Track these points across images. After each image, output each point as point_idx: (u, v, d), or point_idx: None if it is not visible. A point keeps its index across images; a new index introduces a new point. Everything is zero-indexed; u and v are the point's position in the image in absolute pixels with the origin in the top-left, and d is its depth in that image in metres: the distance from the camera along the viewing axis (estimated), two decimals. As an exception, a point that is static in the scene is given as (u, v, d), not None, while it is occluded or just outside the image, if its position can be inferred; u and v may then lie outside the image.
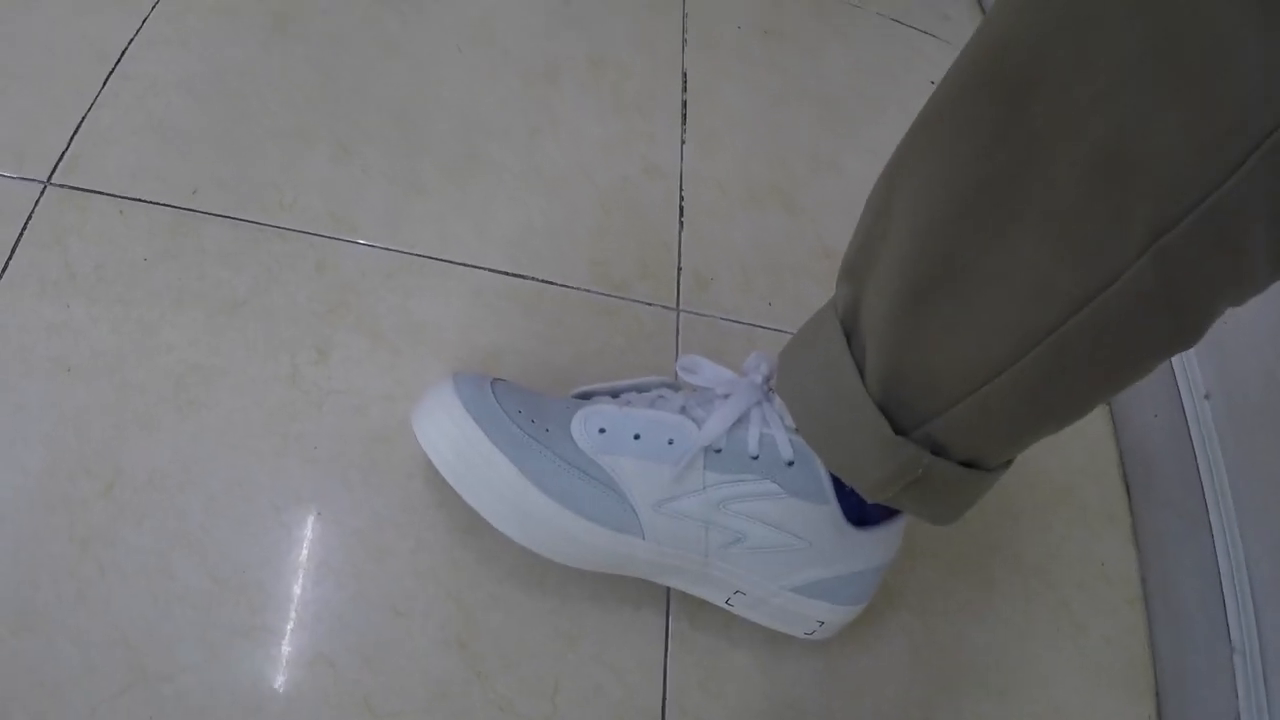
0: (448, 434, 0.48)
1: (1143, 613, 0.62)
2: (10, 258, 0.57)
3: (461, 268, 0.59)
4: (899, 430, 0.41)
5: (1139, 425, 0.68)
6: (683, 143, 0.64)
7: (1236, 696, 0.55)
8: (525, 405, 0.49)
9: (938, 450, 0.41)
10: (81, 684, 0.49)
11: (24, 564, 0.51)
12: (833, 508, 0.47)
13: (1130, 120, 0.29)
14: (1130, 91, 0.29)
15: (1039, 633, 0.59)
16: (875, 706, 0.55)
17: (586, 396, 0.52)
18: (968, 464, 0.42)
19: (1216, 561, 0.59)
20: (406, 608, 0.52)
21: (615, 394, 0.52)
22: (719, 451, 0.47)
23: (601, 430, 0.48)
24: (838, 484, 0.47)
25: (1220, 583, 0.58)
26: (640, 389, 0.52)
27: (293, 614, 0.51)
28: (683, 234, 0.61)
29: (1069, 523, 0.64)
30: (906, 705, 0.55)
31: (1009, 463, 0.45)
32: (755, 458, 0.47)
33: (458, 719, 0.50)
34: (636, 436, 0.47)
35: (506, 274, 0.59)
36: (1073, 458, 0.66)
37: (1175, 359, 0.65)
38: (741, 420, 0.47)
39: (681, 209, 0.62)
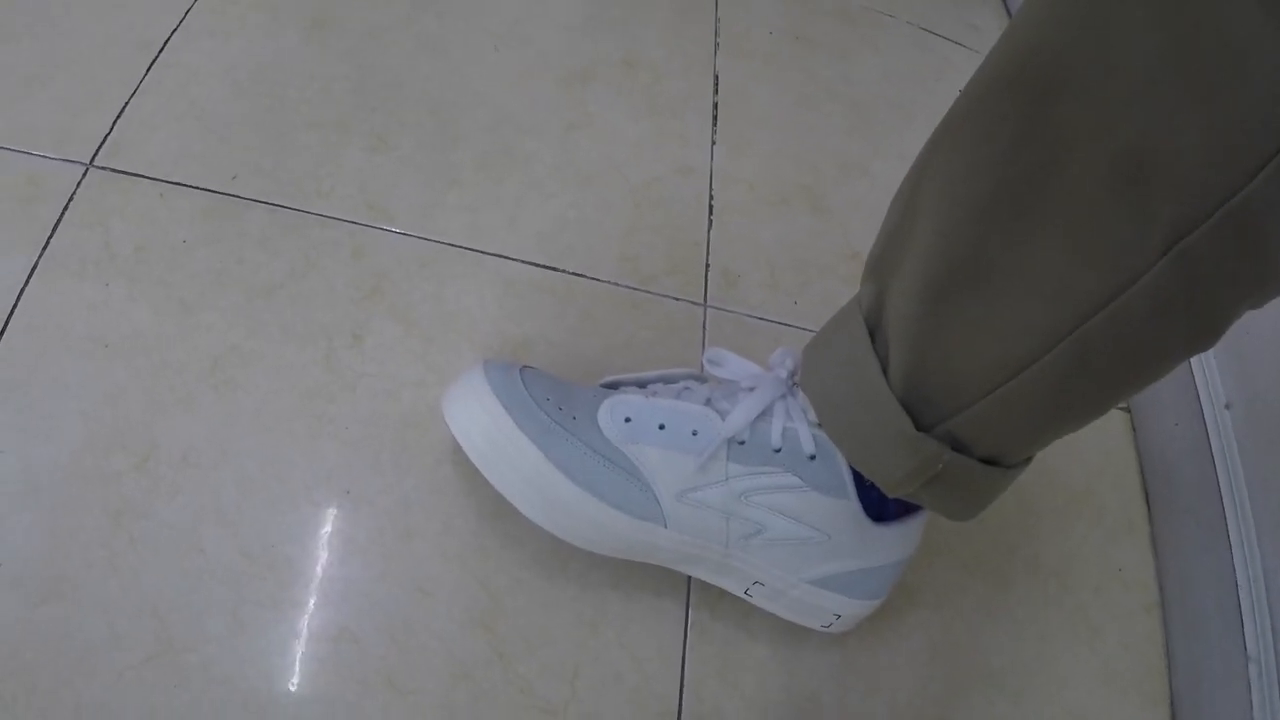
0: (477, 420, 0.49)
1: (1159, 619, 0.62)
2: (52, 236, 0.59)
3: (494, 258, 0.60)
4: (921, 427, 0.41)
5: (1159, 433, 0.68)
6: (713, 143, 0.65)
7: (1251, 705, 0.55)
8: (553, 393, 0.50)
9: (958, 447, 0.42)
10: (108, 652, 0.50)
11: (57, 534, 0.52)
12: (853, 502, 0.48)
13: (1151, 124, 0.29)
14: (1151, 97, 0.29)
15: (1055, 635, 0.60)
16: (891, 702, 0.55)
17: (614, 386, 0.53)
18: (988, 461, 0.43)
19: (1234, 571, 0.59)
20: (432, 588, 0.52)
21: (642, 385, 0.52)
22: (742, 444, 0.47)
23: (627, 419, 0.48)
24: (858, 479, 0.47)
25: (1237, 592, 0.58)
26: (667, 380, 0.53)
27: (320, 591, 0.52)
28: (711, 232, 0.62)
29: (1088, 527, 0.64)
30: (922, 702, 0.56)
31: (1029, 460, 0.45)
32: (778, 451, 0.47)
33: (478, 699, 0.51)
34: (661, 426, 0.48)
35: (538, 265, 0.60)
36: (1093, 463, 0.67)
37: (1197, 369, 0.65)
38: (765, 414, 0.48)
39: (711, 207, 0.63)
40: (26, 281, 0.57)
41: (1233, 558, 0.59)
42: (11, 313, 0.56)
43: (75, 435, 0.54)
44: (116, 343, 0.57)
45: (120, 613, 0.51)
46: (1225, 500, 0.61)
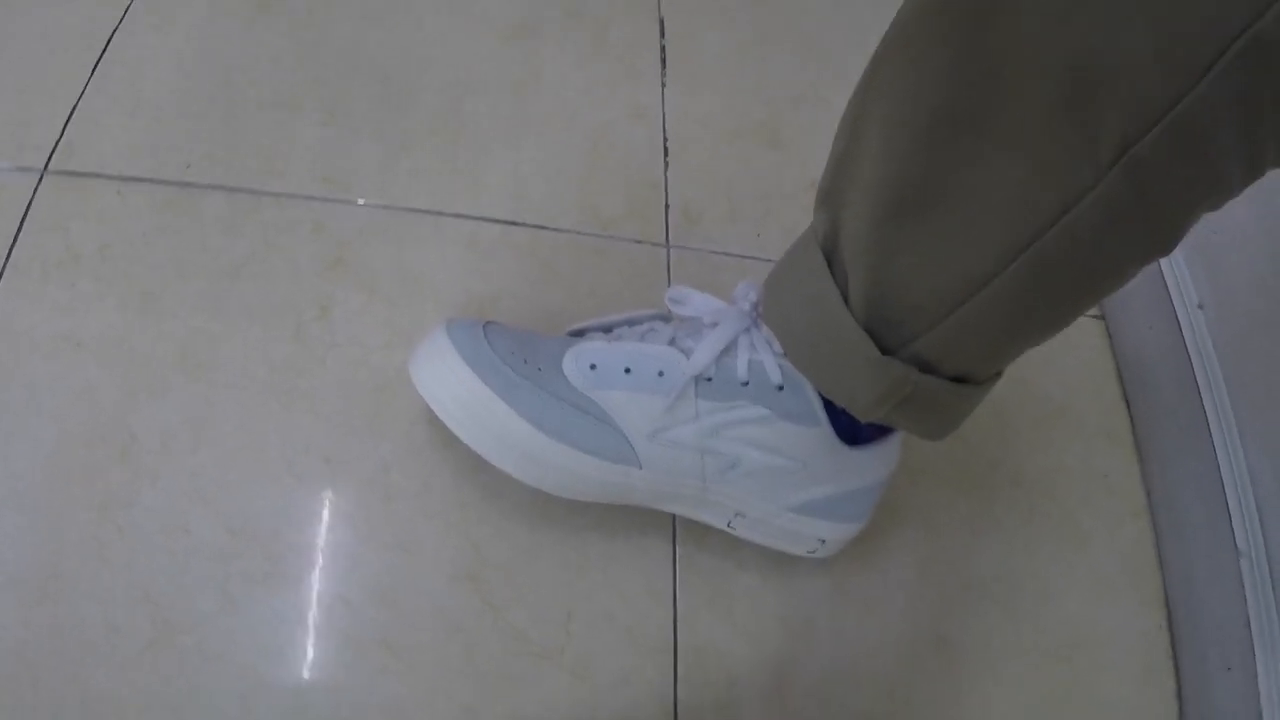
0: (443, 381, 0.49)
1: (1148, 523, 0.63)
2: (13, 246, 0.59)
3: (453, 219, 0.60)
4: (885, 350, 0.41)
5: (1134, 338, 0.68)
6: (664, 85, 0.65)
7: (1245, 600, 0.55)
8: (518, 346, 0.50)
9: (926, 368, 0.42)
10: (108, 643, 0.51)
11: (45, 533, 0.53)
12: (824, 429, 0.48)
13: (1093, 34, 0.29)
14: (1091, 6, 0.29)
15: (1044, 546, 0.60)
16: (884, 621, 0.56)
17: (580, 334, 0.53)
18: (957, 379, 0.43)
19: (1219, 469, 0.59)
20: (417, 547, 0.53)
21: (608, 329, 0.52)
22: (709, 380, 0.47)
23: (593, 366, 0.48)
24: (829, 404, 0.47)
25: (1224, 490, 0.59)
26: (632, 323, 0.53)
27: (307, 560, 0.53)
28: (668, 172, 0.62)
29: (1070, 437, 0.64)
30: (915, 619, 0.56)
31: (999, 375, 0.45)
32: (745, 384, 0.47)
33: (473, 651, 0.52)
34: (627, 370, 0.48)
35: (498, 221, 0.60)
36: (1070, 373, 0.67)
37: (1167, 271, 0.65)
38: (730, 348, 0.48)
39: (666, 148, 0.63)
40: (-10, 288, 0.57)
41: (1216, 457, 0.59)
42: (-22, 320, 0.57)
43: (53, 434, 0.55)
44: (86, 340, 0.57)
45: (116, 603, 0.52)
46: (1205, 400, 0.61)
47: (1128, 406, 0.67)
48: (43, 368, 0.56)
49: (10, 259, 0.59)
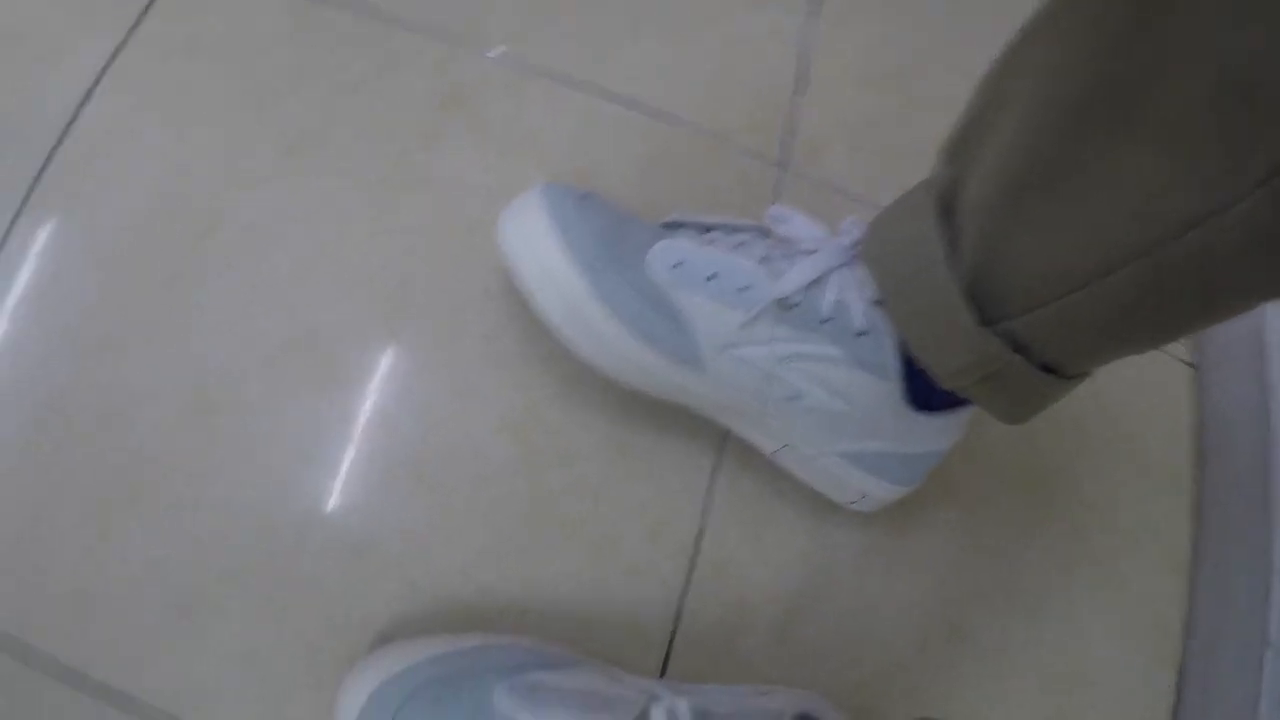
0: (528, 241, 0.48)
1: (1185, 583, 0.61)
2: (143, 16, 0.59)
3: (576, 89, 0.60)
4: (983, 321, 0.40)
5: (1222, 400, 0.66)
6: (812, 14, 0.64)
7: (1260, 693, 0.53)
8: (609, 226, 0.49)
9: (1018, 348, 0.40)
10: (147, 405, 0.52)
11: (114, 292, 0.53)
12: (894, 385, 0.46)
13: (1265, 47, 0.28)
14: (1267, 20, 0.27)
15: (1081, 571, 0.58)
16: (904, 593, 0.54)
17: (676, 225, 0.52)
18: (1046, 368, 0.41)
19: (1271, 557, 0.57)
20: (471, 389, 0.53)
21: (706, 229, 0.51)
22: (792, 307, 0.46)
23: (677, 265, 0.47)
24: (906, 364, 0.46)
25: (1270, 577, 0.56)
26: (730, 229, 0.51)
27: (360, 375, 0.53)
28: (797, 97, 0.61)
29: (1134, 474, 0.62)
30: (935, 601, 0.55)
31: (1085, 375, 0.44)
32: (825, 320, 0.46)
33: (499, 503, 0.51)
34: (710, 277, 0.47)
35: (619, 101, 0.60)
36: (1151, 412, 0.65)
37: (1273, 344, 0.63)
38: (820, 281, 0.46)
39: (801, 75, 0.62)
40: (114, 56, 0.58)
41: (1272, 543, 0.57)
42: (97, 82, 0.57)
43: (145, 201, 0.55)
44: (196, 119, 0.57)
45: (164, 371, 0.52)
46: (1275, 486, 0.59)
47: (1197, 464, 0.65)
48: (150, 133, 0.56)
49: (139, 27, 0.59)
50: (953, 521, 0.57)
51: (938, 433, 0.50)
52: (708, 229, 0.51)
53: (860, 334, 0.46)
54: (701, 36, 0.62)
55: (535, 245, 0.48)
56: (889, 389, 0.47)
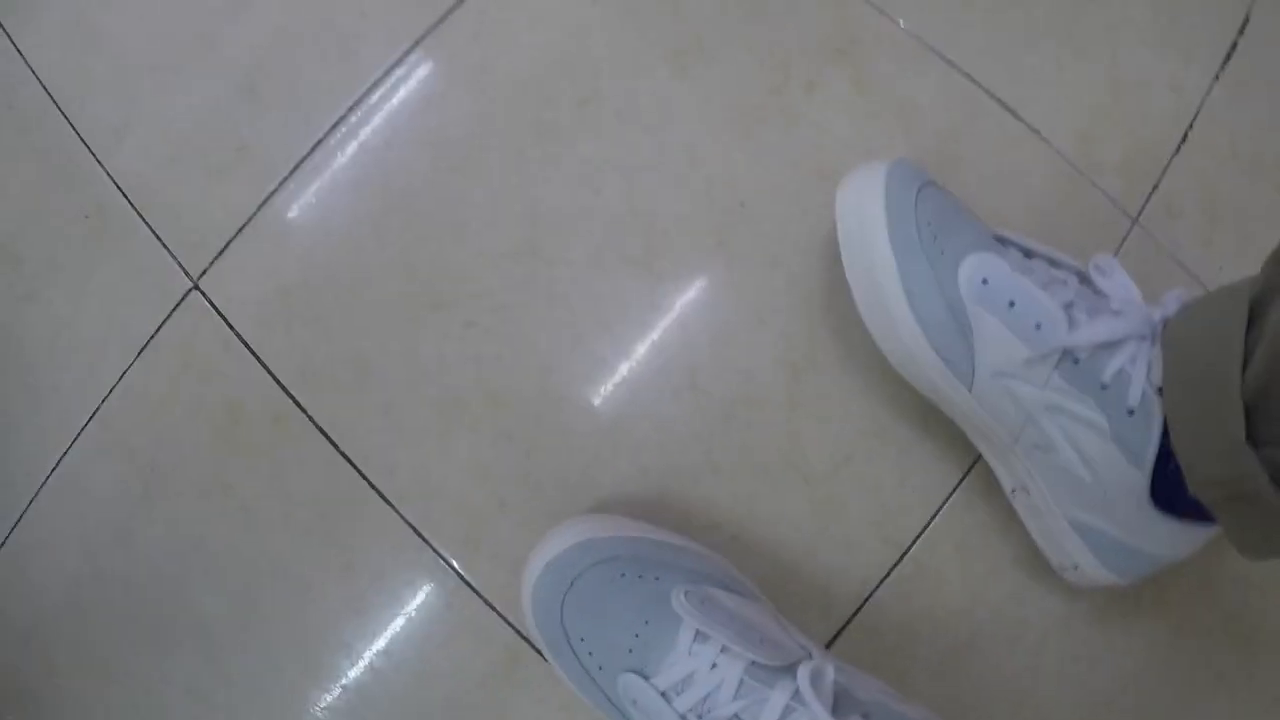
0: (857, 210, 0.50)
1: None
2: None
3: (964, 78, 0.59)
4: (1251, 438, 0.39)
5: None
6: (1216, 78, 0.60)
7: None
8: (940, 220, 0.49)
9: (1276, 479, 0.39)
10: (480, 232, 0.57)
11: (482, 122, 0.58)
12: (1144, 475, 0.45)
13: None
14: None
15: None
16: (1075, 682, 0.54)
17: (1004, 241, 0.52)
18: None
19: None
20: (767, 319, 0.56)
21: (1028, 254, 0.51)
22: (1076, 361, 0.45)
23: (985, 281, 0.47)
24: (1161, 459, 0.45)
25: None
26: (1052, 261, 0.51)
27: (674, 270, 0.56)
28: (1175, 159, 0.59)
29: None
30: (1102, 704, 0.54)
31: None
32: (1104, 387, 0.45)
33: (750, 428, 0.54)
34: (1011, 304, 0.46)
35: (1000, 102, 0.59)
36: None
37: None
38: (1112, 346, 0.45)
39: (1185, 136, 0.59)
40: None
41: None
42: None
43: (529, 58, 0.59)
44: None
45: (503, 206, 0.57)
46: None
47: None
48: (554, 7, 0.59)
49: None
50: (1153, 636, 0.55)
51: (1170, 538, 0.48)
52: (1030, 254, 0.51)
53: (1130, 412, 0.45)
54: (1097, 67, 0.60)
55: (861, 215, 0.49)
56: (1137, 477, 0.46)
